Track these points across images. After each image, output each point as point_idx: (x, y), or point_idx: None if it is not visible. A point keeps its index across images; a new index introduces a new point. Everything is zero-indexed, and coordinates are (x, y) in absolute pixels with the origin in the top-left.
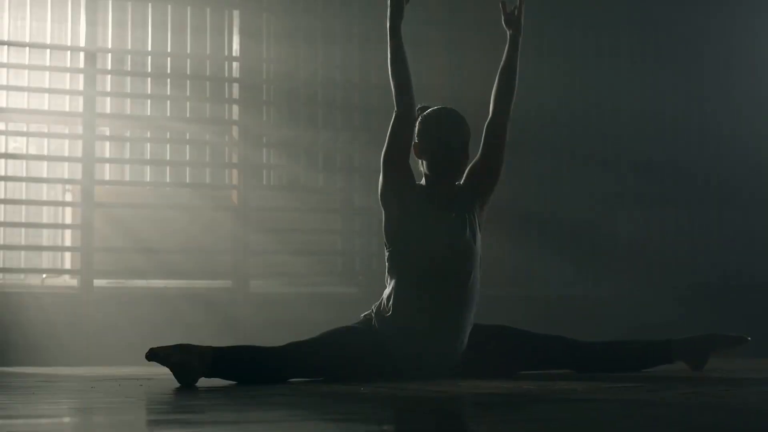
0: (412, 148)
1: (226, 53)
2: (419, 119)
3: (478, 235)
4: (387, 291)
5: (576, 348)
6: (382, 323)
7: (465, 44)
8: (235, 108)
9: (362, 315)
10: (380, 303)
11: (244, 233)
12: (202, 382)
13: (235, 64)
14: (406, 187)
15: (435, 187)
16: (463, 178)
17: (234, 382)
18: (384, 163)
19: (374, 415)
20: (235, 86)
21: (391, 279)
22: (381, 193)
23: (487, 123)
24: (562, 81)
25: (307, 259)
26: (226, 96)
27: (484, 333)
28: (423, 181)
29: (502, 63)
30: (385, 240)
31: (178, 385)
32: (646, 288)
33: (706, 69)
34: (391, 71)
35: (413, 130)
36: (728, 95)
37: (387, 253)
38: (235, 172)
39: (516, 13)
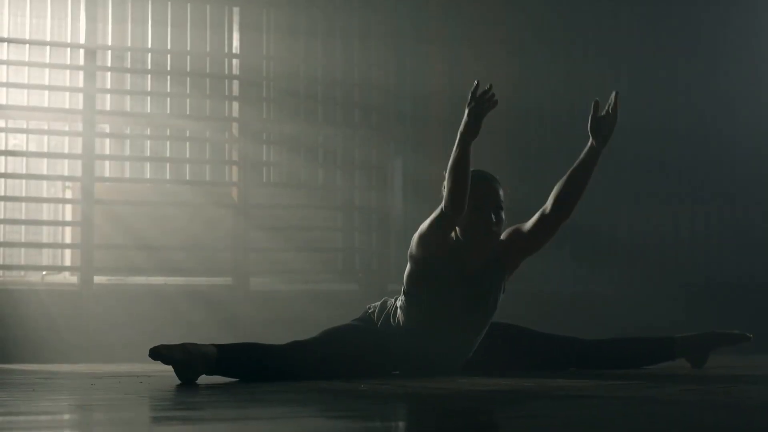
0: None
1: (226, 50)
2: None
3: (500, 299)
4: (396, 315)
5: (578, 346)
6: (386, 327)
7: (464, 41)
8: (235, 105)
9: (367, 306)
10: (386, 315)
11: (245, 230)
12: (203, 379)
13: (235, 61)
14: (438, 260)
15: (467, 254)
16: (503, 236)
17: (235, 380)
18: (420, 240)
19: (374, 412)
20: (235, 83)
21: (401, 312)
22: (410, 254)
23: (542, 213)
24: (562, 78)
25: (307, 256)
26: (227, 93)
27: (488, 331)
28: (454, 237)
29: (575, 166)
30: (404, 284)
31: (178, 382)
32: (647, 286)
33: (706, 68)
34: (451, 175)
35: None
36: (730, 92)
37: (403, 296)
38: (235, 169)
39: (607, 116)
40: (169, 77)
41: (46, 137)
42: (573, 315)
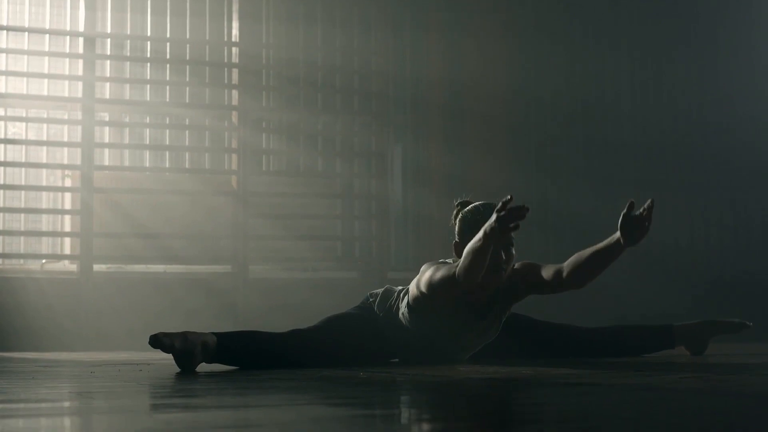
0: (452, 247)
1: (225, 38)
2: (459, 217)
3: (503, 321)
4: (399, 315)
5: (577, 334)
6: (388, 320)
7: (464, 29)
8: (235, 93)
9: (369, 294)
10: (389, 308)
11: (244, 218)
12: (203, 367)
13: (234, 49)
14: (445, 300)
15: (474, 290)
16: (518, 265)
17: (235, 367)
18: (428, 284)
19: (374, 399)
20: (235, 71)
21: (403, 317)
22: (417, 284)
23: (558, 273)
24: (562, 67)
25: (306, 244)
26: (226, 81)
27: None
28: None
29: (598, 250)
30: (409, 300)
31: (178, 370)
32: (648, 275)
33: (706, 59)
34: (470, 257)
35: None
36: (729, 84)
37: (407, 307)
38: (234, 157)
39: (639, 219)
40: (168, 65)
41: (45, 125)
42: (573, 303)
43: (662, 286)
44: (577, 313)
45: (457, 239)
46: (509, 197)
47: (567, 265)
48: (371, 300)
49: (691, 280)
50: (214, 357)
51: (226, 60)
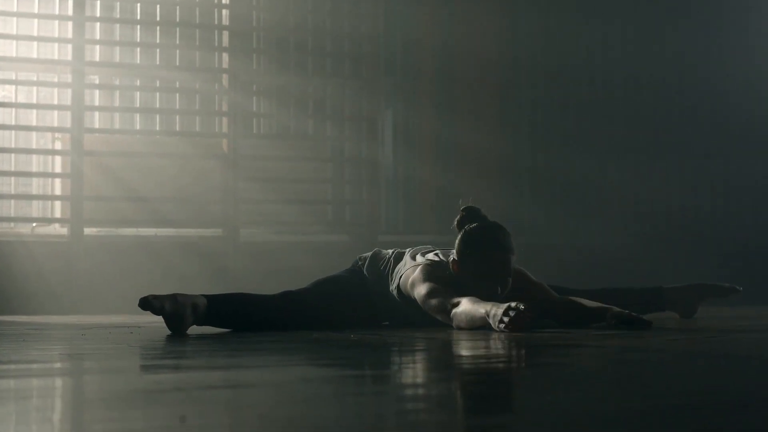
0: (450, 264)
1: (215, 0)
2: (462, 236)
3: None
4: (391, 288)
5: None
6: (379, 286)
7: None
8: (225, 56)
9: (358, 257)
10: (379, 273)
11: (234, 182)
12: (193, 329)
13: (224, 12)
14: None
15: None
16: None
17: (225, 330)
18: (421, 303)
19: (363, 361)
20: (225, 34)
21: (394, 294)
22: (411, 289)
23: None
24: (553, 30)
25: (297, 208)
26: (216, 44)
27: None
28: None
29: (582, 313)
30: (401, 289)
31: (168, 332)
32: (639, 238)
33: (696, 13)
34: (467, 322)
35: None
36: (731, 38)
37: (397, 289)
38: (225, 120)
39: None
40: (158, 28)
41: (35, 88)
42: (565, 266)
43: (656, 244)
44: (568, 276)
45: (455, 257)
46: (522, 307)
47: (556, 300)
48: (360, 263)
49: (686, 238)
50: (205, 319)
51: (216, 22)
